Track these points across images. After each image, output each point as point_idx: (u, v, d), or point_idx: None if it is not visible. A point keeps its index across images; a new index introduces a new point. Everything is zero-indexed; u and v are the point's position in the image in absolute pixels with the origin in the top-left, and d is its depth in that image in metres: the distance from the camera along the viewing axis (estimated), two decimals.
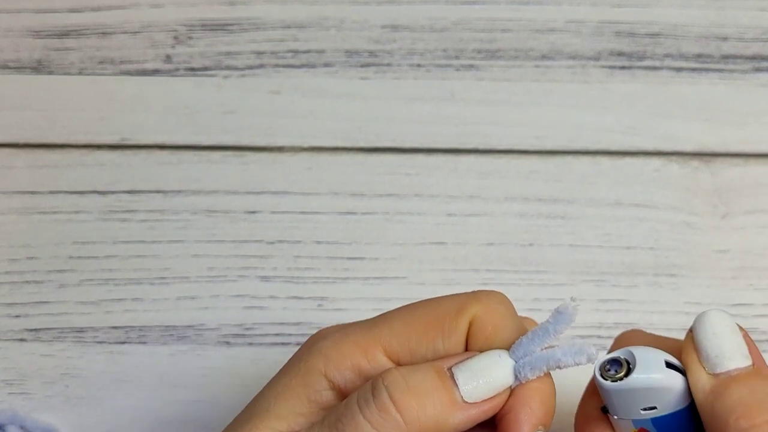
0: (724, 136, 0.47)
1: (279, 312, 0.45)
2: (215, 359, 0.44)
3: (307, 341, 0.33)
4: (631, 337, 0.34)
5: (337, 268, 0.45)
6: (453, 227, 0.46)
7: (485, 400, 0.30)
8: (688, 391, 0.30)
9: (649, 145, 0.47)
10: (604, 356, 0.31)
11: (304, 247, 0.45)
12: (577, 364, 0.29)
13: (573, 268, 0.45)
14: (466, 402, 0.30)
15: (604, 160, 0.46)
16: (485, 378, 0.30)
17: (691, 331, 0.31)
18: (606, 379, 0.30)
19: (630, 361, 0.30)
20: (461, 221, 0.46)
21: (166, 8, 0.49)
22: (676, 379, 0.30)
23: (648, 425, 0.31)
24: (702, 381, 0.30)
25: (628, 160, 0.46)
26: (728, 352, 0.30)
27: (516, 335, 0.31)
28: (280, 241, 0.46)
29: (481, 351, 0.31)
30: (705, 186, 0.46)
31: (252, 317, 0.44)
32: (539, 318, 0.44)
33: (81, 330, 0.45)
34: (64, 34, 0.49)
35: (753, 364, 0.30)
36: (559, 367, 0.30)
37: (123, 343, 0.44)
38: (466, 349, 0.31)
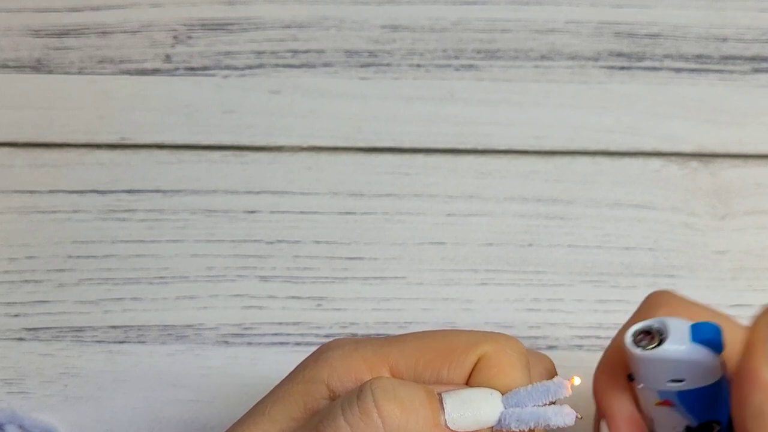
0: (724, 136, 0.47)
1: (278, 312, 0.45)
2: (214, 359, 0.44)
3: (317, 350, 0.33)
4: (661, 299, 0.34)
5: (336, 268, 0.45)
6: (452, 227, 0.46)
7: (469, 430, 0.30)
8: (719, 368, 0.30)
9: (648, 146, 0.47)
10: (637, 324, 0.30)
11: (303, 247, 0.45)
12: (566, 425, 0.30)
13: (572, 269, 0.45)
14: (449, 428, 0.30)
15: (604, 161, 0.46)
16: (472, 410, 0.30)
17: (761, 320, 0.30)
18: (638, 347, 0.30)
19: (662, 331, 0.30)
20: (460, 221, 0.46)
21: (165, 8, 0.49)
22: (707, 355, 0.30)
23: (673, 397, 0.31)
24: (764, 376, 0.29)
25: (627, 160, 0.46)
26: None
27: (516, 384, 0.31)
28: (279, 241, 0.46)
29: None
30: (704, 187, 0.46)
31: (251, 317, 0.44)
32: (538, 318, 0.44)
33: (80, 329, 0.45)
34: (63, 33, 0.49)
35: None
36: (548, 426, 0.30)
37: (122, 342, 0.44)
38: (466, 384, 0.31)
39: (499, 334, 0.32)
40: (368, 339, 0.32)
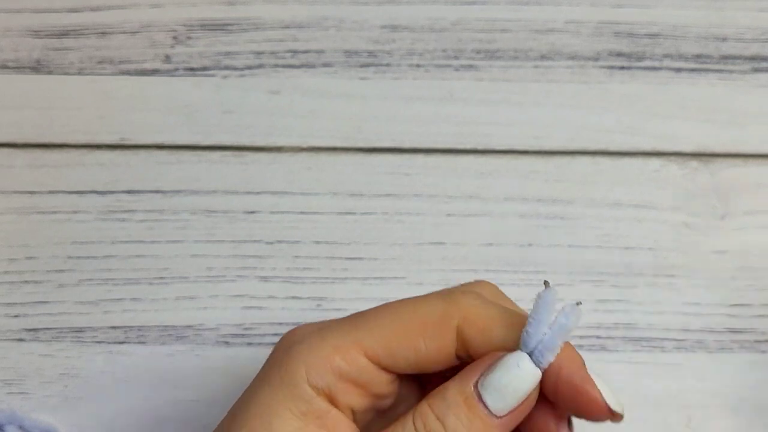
0: (724, 136, 0.47)
1: (278, 312, 0.45)
2: (214, 359, 0.44)
3: (281, 342, 0.33)
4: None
5: (336, 269, 0.45)
6: (452, 227, 0.46)
7: (518, 406, 0.30)
8: None
9: (648, 146, 0.47)
10: None
11: (303, 247, 0.45)
12: (578, 320, 0.30)
13: (572, 269, 0.45)
14: (500, 417, 0.30)
15: (604, 161, 0.46)
16: (511, 392, 0.30)
17: None
18: None
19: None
20: (460, 221, 0.46)
21: (165, 8, 0.49)
22: None
23: None
24: None
25: (627, 160, 0.46)
26: None
27: (508, 324, 0.31)
28: (279, 241, 0.46)
29: (486, 351, 0.31)
30: (704, 186, 0.46)
31: (251, 317, 0.44)
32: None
33: (80, 330, 0.45)
34: (63, 33, 0.49)
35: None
36: (570, 329, 0.30)
37: (122, 343, 0.44)
38: (468, 354, 0.31)
39: (464, 288, 0.32)
40: (332, 322, 0.32)
